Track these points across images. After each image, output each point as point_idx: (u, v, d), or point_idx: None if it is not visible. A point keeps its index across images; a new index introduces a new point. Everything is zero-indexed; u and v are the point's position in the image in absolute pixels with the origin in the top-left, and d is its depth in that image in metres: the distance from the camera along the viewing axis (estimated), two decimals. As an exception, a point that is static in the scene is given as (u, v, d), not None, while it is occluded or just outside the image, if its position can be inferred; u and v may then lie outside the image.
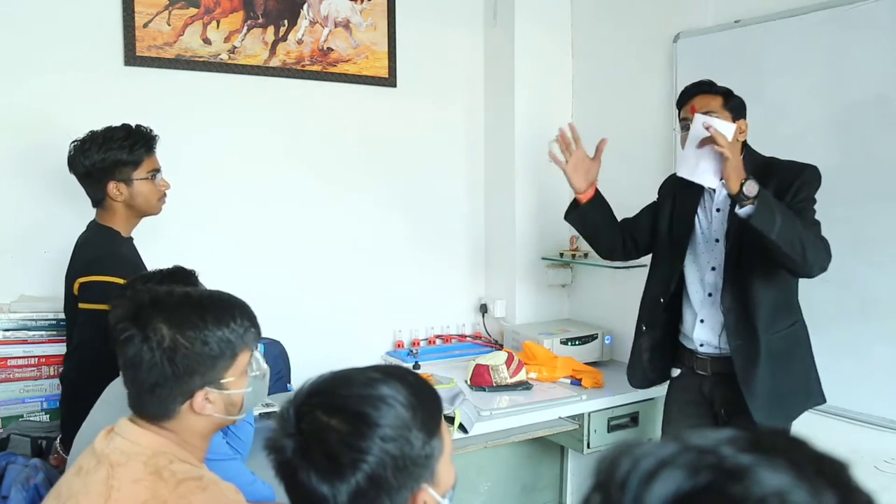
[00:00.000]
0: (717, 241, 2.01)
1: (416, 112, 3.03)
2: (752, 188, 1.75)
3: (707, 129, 1.79)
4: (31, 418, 2.21)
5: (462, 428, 2.19)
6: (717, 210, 2.01)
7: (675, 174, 2.19)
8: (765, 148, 2.05)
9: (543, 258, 3.08)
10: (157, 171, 1.96)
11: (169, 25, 2.51)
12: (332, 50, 2.83)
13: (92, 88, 2.40)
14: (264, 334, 2.61)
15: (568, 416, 2.43)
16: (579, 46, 3.08)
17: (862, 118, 2.09)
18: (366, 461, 0.82)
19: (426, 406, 0.89)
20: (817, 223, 1.88)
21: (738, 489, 0.41)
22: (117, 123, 1.94)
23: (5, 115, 2.31)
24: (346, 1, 2.84)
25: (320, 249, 2.86)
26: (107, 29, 2.43)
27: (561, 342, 2.76)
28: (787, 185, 1.87)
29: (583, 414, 2.42)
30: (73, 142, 1.92)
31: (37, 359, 2.23)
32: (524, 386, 2.51)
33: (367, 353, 2.91)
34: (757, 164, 1.94)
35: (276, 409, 2.19)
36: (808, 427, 2.10)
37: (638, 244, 2.25)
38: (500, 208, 3.13)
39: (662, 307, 2.12)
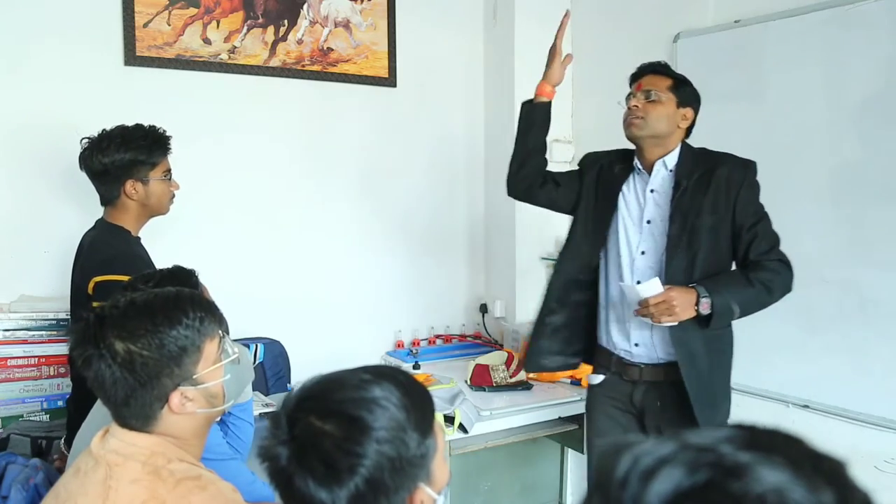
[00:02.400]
0: (648, 222, 1.91)
1: (416, 112, 3.03)
2: (706, 308, 1.75)
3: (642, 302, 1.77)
4: (31, 418, 2.22)
5: (462, 428, 2.19)
6: (652, 191, 1.92)
7: (593, 152, 2.12)
8: (764, 148, 2.05)
9: (543, 258, 3.08)
10: (170, 171, 1.98)
11: (169, 25, 2.51)
12: (332, 50, 2.83)
13: (92, 88, 2.41)
14: (264, 334, 2.65)
15: (568, 416, 2.43)
16: (579, 46, 3.08)
17: (862, 118, 2.09)
18: (363, 465, 0.81)
19: (419, 406, 0.88)
20: (774, 240, 1.84)
21: (738, 486, 0.41)
22: (119, 123, 1.94)
23: (5, 114, 2.31)
24: (346, 1, 2.84)
25: (320, 249, 2.86)
26: (107, 29, 2.43)
27: (561, 342, 2.76)
28: (736, 182, 1.83)
29: (583, 414, 2.41)
30: (85, 139, 1.92)
31: (37, 359, 2.23)
32: (524, 386, 2.51)
33: (367, 353, 2.91)
34: (696, 156, 1.91)
35: (276, 409, 2.19)
36: (809, 427, 2.10)
37: (548, 190, 2.08)
38: (499, 208, 3.13)
39: (582, 286, 2.01)
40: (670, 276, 1.83)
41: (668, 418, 1.88)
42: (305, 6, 2.76)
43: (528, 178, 2.08)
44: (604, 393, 2.01)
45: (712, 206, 1.83)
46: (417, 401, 0.89)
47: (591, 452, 2.11)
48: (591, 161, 2.10)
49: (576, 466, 3.02)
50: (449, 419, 2.18)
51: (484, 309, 3.17)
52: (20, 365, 2.22)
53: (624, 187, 1.97)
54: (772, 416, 2.26)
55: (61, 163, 2.34)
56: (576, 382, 2.58)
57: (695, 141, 1.98)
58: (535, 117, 2.08)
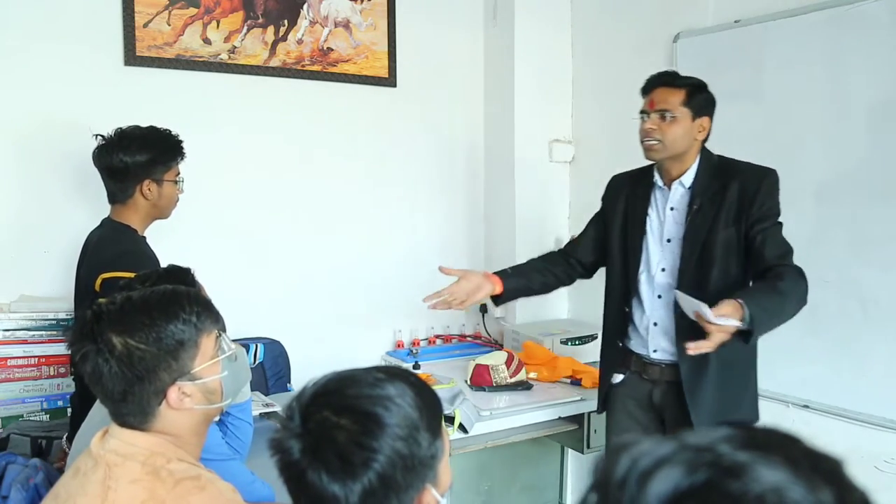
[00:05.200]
0: (668, 240, 1.94)
1: (416, 112, 3.03)
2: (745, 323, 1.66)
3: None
4: (31, 418, 2.22)
5: (462, 428, 2.19)
6: (672, 209, 1.94)
7: (614, 178, 2.13)
8: (765, 148, 2.05)
9: (543, 258, 3.08)
10: (180, 175, 2.01)
11: (169, 25, 2.51)
12: (332, 50, 2.83)
13: (92, 88, 2.40)
14: (264, 334, 2.65)
15: (568, 416, 2.42)
16: (579, 46, 3.08)
17: (862, 118, 2.09)
18: (377, 460, 0.82)
19: (430, 407, 0.90)
20: (788, 247, 1.81)
21: (737, 486, 0.41)
22: (119, 123, 1.94)
23: (5, 115, 2.31)
24: (346, 1, 2.84)
25: (320, 249, 2.86)
26: (107, 29, 2.43)
27: (561, 342, 2.76)
28: (751, 192, 1.82)
29: (583, 414, 2.42)
30: (98, 136, 1.92)
31: (37, 359, 2.23)
32: (524, 386, 2.51)
33: (367, 353, 2.91)
34: (713, 166, 1.90)
35: (276, 409, 2.19)
36: (809, 427, 2.10)
37: (584, 265, 2.15)
38: (500, 208, 3.13)
39: (628, 315, 2.01)
40: (685, 293, 1.83)
41: (686, 418, 1.90)
42: (305, 6, 2.76)
43: (569, 284, 2.22)
44: (624, 392, 2.05)
45: (725, 221, 1.84)
46: (429, 402, 0.90)
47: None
48: (615, 192, 2.09)
49: (576, 467, 3.02)
50: (449, 419, 2.18)
51: (484, 309, 3.17)
52: (20, 365, 2.21)
53: (650, 208, 1.99)
54: (772, 416, 2.25)
55: (62, 163, 2.35)
56: (576, 382, 2.58)
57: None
58: (522, 292, 2.14)
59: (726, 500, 0.41)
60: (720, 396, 1.87)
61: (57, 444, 2.06)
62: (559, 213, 3.14)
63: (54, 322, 2.24)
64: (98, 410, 1.48)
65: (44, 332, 2.24)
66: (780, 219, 1.85)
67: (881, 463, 2.06)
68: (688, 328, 1.82)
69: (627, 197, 2.04)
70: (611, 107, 2.95)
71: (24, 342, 2.22)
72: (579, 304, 3.15)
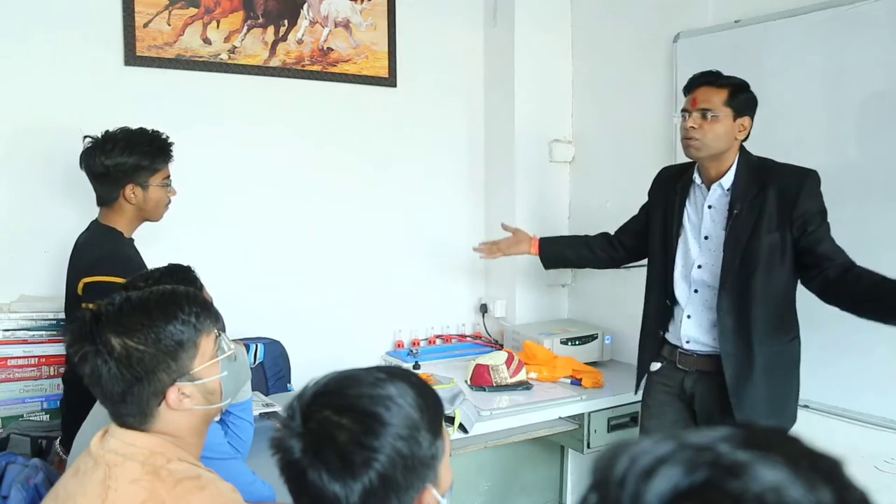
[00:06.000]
0: (705, 237, 1.98)
1: (416, 112, 3.03)
2: None
3: None
4: (31, 418, 2.22)
5: (462, 428, 2.19)
6: (710, 207, 1.97)
7: (662, 170, 2.20)
8: (764, 149, 2.04)
9: (543, 258, 3.08)
10: (169, 178, 1.98)
11: (169, 25, 2.51)
12: (332, 50, 2.83)
13: (92, 88, 2.40)
14: (264, 334, 2.65)
15: (568, 416, 2.42)
16: (579, 46, 3.08)
17: (862, 118, 2.09)
18: (377, 460, 0.82)
19: (431, 407, 0.90)
20: (839, 247, 1.85)
21: (737, 485, 0.41)
22: (119, 123, 1.94)
23: (5, 115, 2.31)
24: (346, 1, 2.84)
25: (320, 249, 2.86)
26: (107, 29, 2.43)
27: (561, 342, 2.76)
28: (791, 195, 1.84)
29: (583, 414, 2.42)
30: (87, 138, 1.91)
31: (37, 359, 2.23)
32: (524, 386, 2.51)
33: (367, 353, 2.91)
34: (752, 167, 1.92)
35: (276, 409, 2.18)
36: (810, 427, 2.10)
37: (626, 248, 2.31)
38: (500, 208, 3.13)
39: (670, 308, 2.07)
40: (725, 298, 1.90)
41: (715, 406, 1.96)
42: (305, 6, 2.76)
43: (610, 266, 2.43)
44: (659, 379, 2.13)
45: (768, 226, 1.85)
46: (430, 402, 0.90)
47: (645, 435, 2.16)
48: (659, 185, 2.17)
49: (576, 466, 3.02)
50: (449, 419, 2.18)
51: (484, 309, 3.17)
52: (20, 365, 2.21)
53: (687, 203, 2.03)
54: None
55: (62, 163, 2.34)
56: (576, 382, 2.58)
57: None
58: (561, 258, 2.48)
59: (726, 499, 0.41)
60: (764, 400, 1.90)
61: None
62: (559, 213, 3.14)
63: (54, 322, 2.24)
64: (99, 410, 1.48)
65: (44, 332, 2.24)
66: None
67: (881, 463, 2.06)
68: (729, 330, 1.90)
69: (668, 191, 2.09)
70: (611, 107, 2.95)
71: (24, 342, 2.22)
72: (579, 304, 3.15)
